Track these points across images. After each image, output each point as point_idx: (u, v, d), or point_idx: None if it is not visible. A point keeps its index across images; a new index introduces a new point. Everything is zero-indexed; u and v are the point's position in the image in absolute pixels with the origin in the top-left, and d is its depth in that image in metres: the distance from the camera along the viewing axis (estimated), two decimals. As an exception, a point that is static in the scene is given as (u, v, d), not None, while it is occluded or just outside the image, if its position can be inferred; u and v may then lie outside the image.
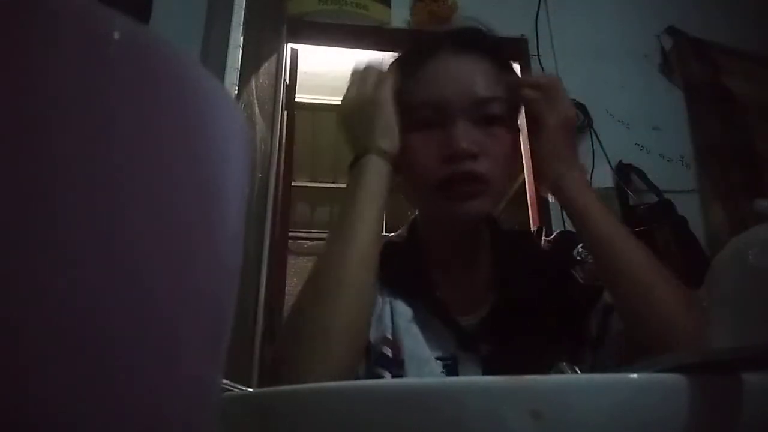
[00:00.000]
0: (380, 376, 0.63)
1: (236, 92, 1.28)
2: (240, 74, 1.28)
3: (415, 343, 0.65)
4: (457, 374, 0.64)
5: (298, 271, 3.86)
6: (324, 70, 2.79)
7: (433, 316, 0.68)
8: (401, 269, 0.69)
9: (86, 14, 0.13)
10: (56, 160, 0.12)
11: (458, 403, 0.23)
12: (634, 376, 0.24)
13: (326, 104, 3.17)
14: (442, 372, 0.64)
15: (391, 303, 0.68)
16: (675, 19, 2.30)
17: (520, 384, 0.23)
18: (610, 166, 2.04)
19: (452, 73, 0.66)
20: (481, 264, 0.72)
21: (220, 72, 1.26)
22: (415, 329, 0.66)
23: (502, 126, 0.66)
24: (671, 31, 2.29)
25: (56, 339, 0.12)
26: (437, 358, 0.65)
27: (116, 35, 0.13)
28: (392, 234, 0.78)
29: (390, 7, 2.18)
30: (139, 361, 0.14)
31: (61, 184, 0.12)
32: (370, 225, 0.60)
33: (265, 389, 0.30)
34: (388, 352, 0.65)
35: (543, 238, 0.78)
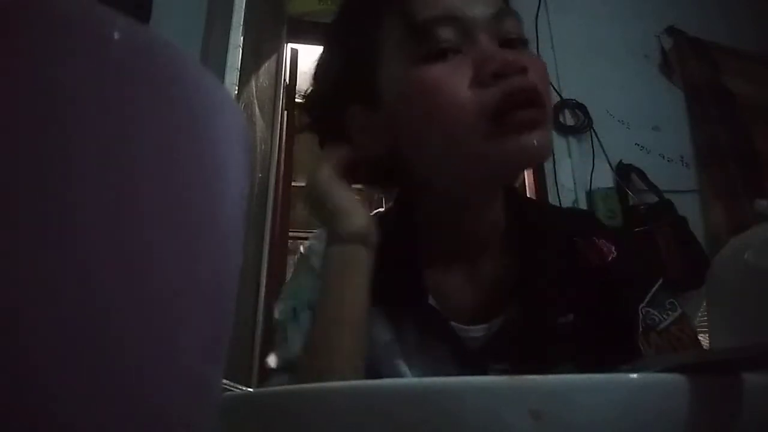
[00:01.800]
0: None
1: (236, 92, 1.28)
2: (240, 74, 1.28)
3: (386, 352, 0.55)
4: None
5: (298, 270, 3.86)
6: (324, 70, 2.78)
7: (430, 326, 0.55)
8: (386, 267, 0.52)
9: (86, 14, 0.13)
10: (56, 159, 0.12)
11: (458, 402, 0.23)
12: (634, 376, 0.24)
13: (326, 104, 3.16)
14: None
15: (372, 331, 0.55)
16: (675, 19, 2.30)
17: (520, 384, 0.23)
18: (610, 166, 2.04)
19: None
20: (493, 259, 0.57)
21: (220, 72, 1.26)
22: (387, 336, 0.56)
23: (525, 47, 0.52)
24: (671, 31, 2.29)
25: (57, 338, 0.12)
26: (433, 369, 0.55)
27: (116, 35, 0.13)
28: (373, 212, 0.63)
29: (390, 7, 2.18)
30: (139, 361, 0.14)
31: (61, 184, 0.12)
32: (360, 316, 0.49)
33: (265, 389, 0.30)
34: None
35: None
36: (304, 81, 2.33)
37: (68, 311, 0.12)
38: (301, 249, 0.65)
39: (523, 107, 0.46)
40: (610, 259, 0.57)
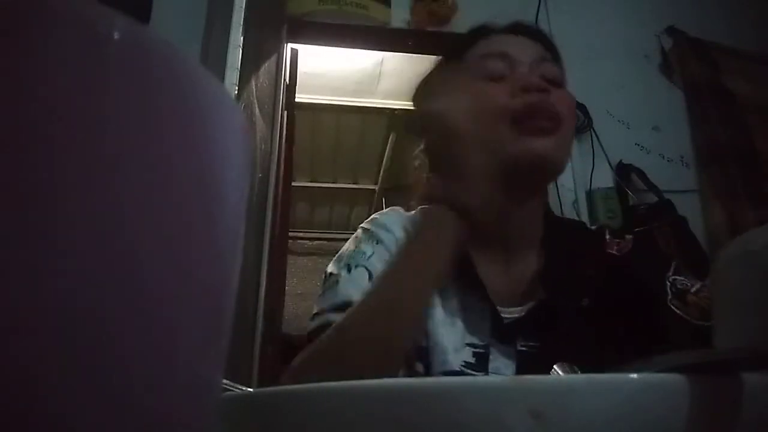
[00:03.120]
0: (414, 369, 0.62)
1: (236, 92, 1.28)
2: (240, 74, 1.28)
3: (438, 329, 0.63)
4: (486, 364, 0.62)
5: (298, 271, 3.88)
6: (324, 70, 2.79)
7: (472, 298, 0.65)
8: None
9: (86, 14, 0.13)
10: (56, 159, 0.12)
11: (458, 403, 0.23)
12: (634, 376, 0.24)
13: (326, 104, 3.17)
14: (470, 361, 0.62)
15: None
16: (675, 19, 2.30)
17: (520, 384, 0.23)
18: (610, 166, 2.04)
19: (515, 41, 0.70)
20: (530, 253, 0.69)
21: (220, 72, 1.26)
22: (440, 314, 0.64)
23: (561, 87, 0.68)
24: (671, 31, 2.29)
25: (56, 339, 0.12)
26: (469, 344, 0.63)
27: (116, 35, 0.13)
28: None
29: (390, 7, 2.18)
30: (139, 361, 0.14)
31: (61, 184, 0.12)
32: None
33: (265, 389, 0.30)
34: (423, 341, 0.63)
35: (607, 237, 0.73)
36: (304, 81, 2.33)
37: (66, 312, 0.12)
38: (364, 225, 0.74)
39: (538, 118, 0.62)
40: (629, 248, 0.68)
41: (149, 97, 0.14)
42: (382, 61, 2.75)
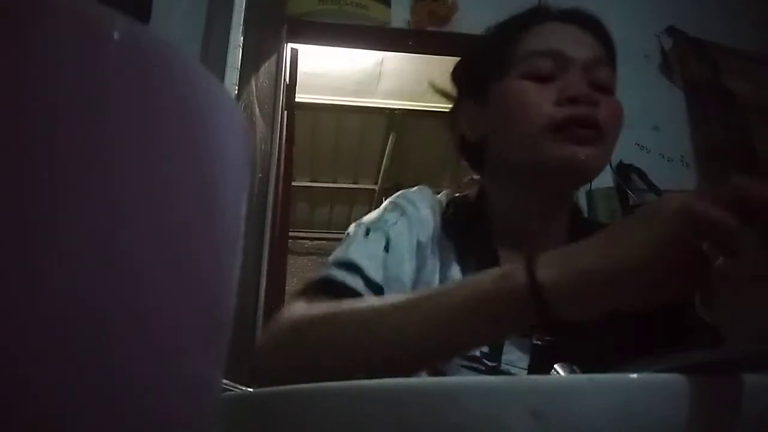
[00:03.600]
0: None
1: (236, 92, 1.28)
2: (240, 74, 1.28)
3: None
4: (500, 355, 0.60)
5: (298, 271, 3.88)
6: (324, 70, 2.79)
7: None
8: (464, 226, 0.67)
9: (86, 14, 0.13)
10: (56, 159, 0.12)
11: (458, 403, 0.23)
12: (634, 376, 0.24)
13: (326, 104, 3.17)
14: (484, 350, 0.60)
15: (441, 267, 0.65)
16: (675, 19, 2.30)
17: (520, 384, 0.23)
18: (610, 166, 2.03)
19: (567, 34, 0.66)
20: (554, 247, 0.65)
21: (220, 72, 1.26)
22: None
23: (611, 95, 0.65)
24: (671, 31, 2.29)
25: (55, 339, 0.12)
26: None
27: (116, 35, 0.13)
28: (456, 194, 0.75)
29: (390, 7, 2.18)
30: (139, 361, 0.14)
31: (61, 184, 0.12)
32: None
33: (265, 389, 0.30)
34: None
35: None
36: (304, 81, 2.34)
37: (66, 312, 0.12)
38: (391, 198, 0.72)
39: (582, 129, 0.60)
40: None
41: (149, 97, 0.14)
42: (382, 61, 2.75)
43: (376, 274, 0.60)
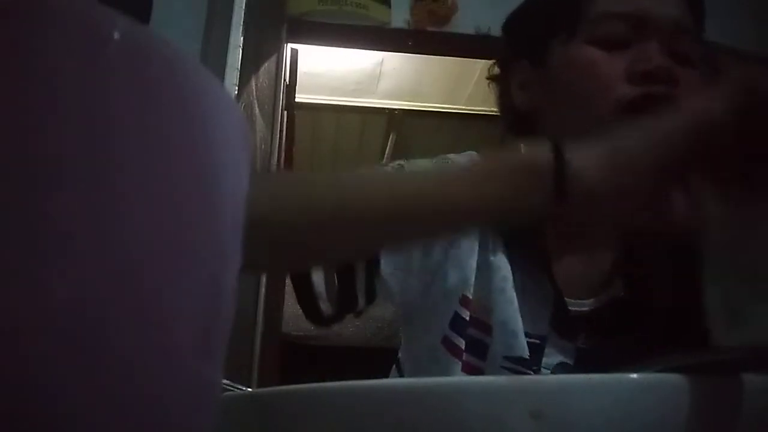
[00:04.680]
0: (455, 344, 0.54)
1: (236, 92, 1.28)
2: (240, 74, 1.28)
3: (509, 308, 0.54)
4: (540, 358, 0.53)
5: (298, 271, 3.87)
6: (324, 70, 2.79)
7: (534, 278, 0.56)
8: (516, 233, 0.57)
9: (86, 14, 0.13)
10: (56, 159, 0.12)
11: (458, 403, 0.23)
12: (634, 376, 0.24)
13: (326, 104, 3.17)
14: (507, 366, 0.53)
15: (488, 255, 0.56)
16: (675, 19, 2.30)
17: (520, 384, 0.23)
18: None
19: None
20: (608, 243, 0.59)
21: (220, 72, 1.26)
22: (511, 292, 0.54)
23: (694, 70, 0.55)
24: (671, 31, 2.29)
25: (55, 337, 0.12)
26: (524, 333, 0.54)
27: (116, 35, 0.13)
28: None
29: (390, 7, 2.18)
30: (139, 361, 0.14)
31: (61, 183, 0.12)
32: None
33: (265, 389, 0.30)
34: (465, 313, 0.54)
35: None
36: (304, 81, 2.33)
37: (66, 313, 0.12)
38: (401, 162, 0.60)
39: (658, 108, 0.48)
40: None
41: (149, 97, 0.14)
42: (382, 61, 2.75)
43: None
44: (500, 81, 0.63)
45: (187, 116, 0.15)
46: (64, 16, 0.13)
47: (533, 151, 0.38)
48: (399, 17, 2.19)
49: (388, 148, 3.71)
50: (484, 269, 0.56)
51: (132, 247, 0.13)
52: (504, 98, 0.62)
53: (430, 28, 2.14)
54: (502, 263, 0.56)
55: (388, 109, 3.29)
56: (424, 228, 0.43)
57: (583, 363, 0.53)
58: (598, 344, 0.54)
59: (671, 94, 0.51)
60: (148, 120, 0.14)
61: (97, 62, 0.13)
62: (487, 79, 0.66)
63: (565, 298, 0.55)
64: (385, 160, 3.80)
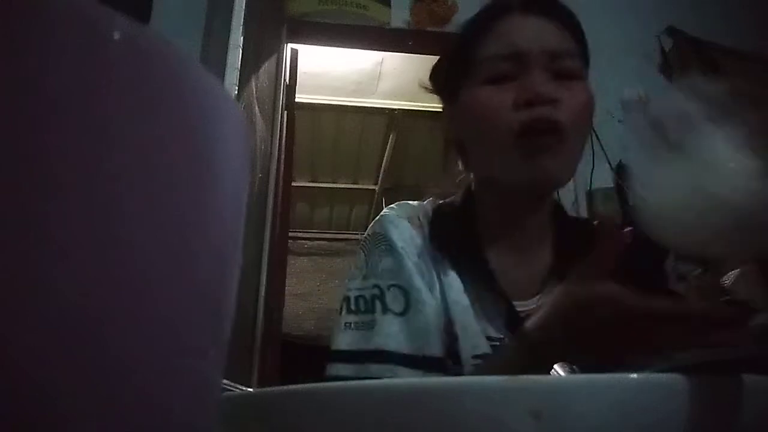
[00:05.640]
0: (435, 357, 0.60)
1: (236, 92, 1.28)
2: (240, 74, 1.28)
3: (466, 315, 0.63)
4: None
5: (298, 271, 3.88)
6: (324, 70, 2.79)
7: (486, 291, 0.64)
8: (453, 237, 0.66)
9: (86, 14, 0.13)
10: (55, 159, 0.12)
11: (458, 403, 0.23)
12: (634, 376, 0.24)
13: (326, 104, 3.17)
14: (488, 352, 0.62)
15: (440, 276, 0.65)
16: (675, 19, 2.30)
17: (520, 384, 0.23)
18: (610, 166, 2.03)
19: (527, 28, 0.65)
20: (541, 249, 0.69)
21: (220, 72, 1.26)
22: (466, 301, 0.63)
23: (579, 81, 0.64)
24: (671, 31, 2.29)
25: (54, 339, 0.12)
26: (486, 337, 0.62)
27: (116, 35, 0.13)
28: (442, 201, 0.74)
29: (390, 7, 2.18)
30: (138, 362, 0.14)
31: (61, 184, 0.12)
32: None
33: (265, 389, 0.30)
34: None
35: None
36: (304, 81, 2.33)
37: (66, 315, 0.12)
38: (373, 238, 0.68)
39: (541, 134, 0.59)
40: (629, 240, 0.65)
41: (149, 97, 0.14)
42: (382, 61, 2.75)
43: (408, 348, 0.60)
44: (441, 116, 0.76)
45: (187, 116, 0.15)
46: (64, 16, 0.13)
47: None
48: (399, 17, 2.19)
49: (388, 148, 3.71)
50: (445, 288, 0.64)
51: (131, 248, 0.13)
52: (442, 128, 0.75)
53: (430, 28, 2.15)
54: (453, 281, 0.64)
55: (388, 109, 3.30)
56: None
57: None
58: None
59: (551, 116, 0.59)
60: (148, 120, 0.14)
61: (97, 62, 0.13)
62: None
63: (513, 302, 0.64)
64: (385, 160, 3.80)
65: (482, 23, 0.67)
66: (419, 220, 0.69)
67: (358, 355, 0.60)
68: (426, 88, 0.79)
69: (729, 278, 0.63)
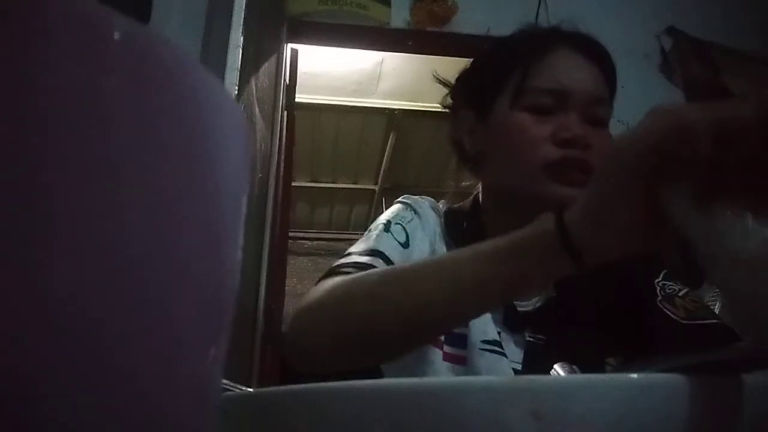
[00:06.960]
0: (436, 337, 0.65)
1: (236, 92, 1.28)
2: (240, 74, 1.28)
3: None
4: (503, 351, 0.66)
5: (298, 271, 3.88)
6: (324, 70, 2.79)
7: None
8: (463, 234, 0.71)
9: (86, 14, 0.13)
10: (55, 159, 0.12)
11: (459, 403, 0.23)
12: (634, 376, 0.24)
13: (326, 104, 3.17)
14: (485, 347, 0.66)
15: None
16: (675, 19, 2.30)
17: (520, 384, 0.23)
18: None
19: (574, 68, 0.69)
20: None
21: (220, 72, 1.26)
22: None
23: (605, 128, 0.69)
24: (671, 31, 2.29)
25: (54, 339, 0.12)
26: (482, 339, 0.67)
27: (116, 35, 0.13)
28: (449, 206, 0.79)
29: (390, 7, 2.18)
30: (139, 361, 0.14)
31: (61, 184, 0.12)
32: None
33: (265, 389, 0.30)
34: None
35: None
36: (304, 81, 2.33)
37: (65, 315, 0.12)
38: (399, 199, 0.77)
39: (572, 172, 0.63)
40: None
41: (149, 97, 0.14)
42: (382, 61, 2.76)
43: (398, 261, 0.65)
44: (451, 119, 0.78)
45: (187, 116, 0.15)
46: (64, 16, 0.13)
47: (541, 225, 0.46)
48: (399, 17, 2.19)
49: (388, 148, 3.71)
50: None
51: (131, 248, 0.13)
52: (455, 135, 0.77)
53: (430, 28, 2.15)
54: None
55: (388, 109, 3.30)
56: (471, 308, 0.51)
57: (531, 352, 0.65)
58: (542, 337, 0.67)
59: (585, 158, 0.64)
60: (148, 120, 0.14)
61: (97, 62, 0.13)
62: (441, 104, 0.82)
63: (514, 302, 0.68)
64: (385, 160, 3.80)
65: (533, 52, 0.70)
66: (438, 210, 0.77)
67: (352, 254, 0.67)
68: (441, 80, 0.81)
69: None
